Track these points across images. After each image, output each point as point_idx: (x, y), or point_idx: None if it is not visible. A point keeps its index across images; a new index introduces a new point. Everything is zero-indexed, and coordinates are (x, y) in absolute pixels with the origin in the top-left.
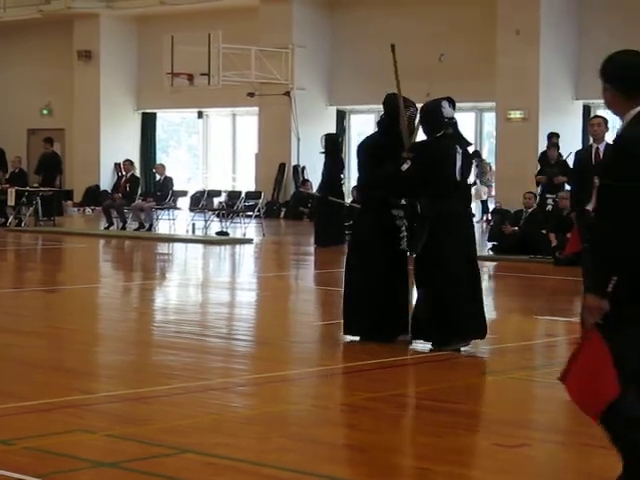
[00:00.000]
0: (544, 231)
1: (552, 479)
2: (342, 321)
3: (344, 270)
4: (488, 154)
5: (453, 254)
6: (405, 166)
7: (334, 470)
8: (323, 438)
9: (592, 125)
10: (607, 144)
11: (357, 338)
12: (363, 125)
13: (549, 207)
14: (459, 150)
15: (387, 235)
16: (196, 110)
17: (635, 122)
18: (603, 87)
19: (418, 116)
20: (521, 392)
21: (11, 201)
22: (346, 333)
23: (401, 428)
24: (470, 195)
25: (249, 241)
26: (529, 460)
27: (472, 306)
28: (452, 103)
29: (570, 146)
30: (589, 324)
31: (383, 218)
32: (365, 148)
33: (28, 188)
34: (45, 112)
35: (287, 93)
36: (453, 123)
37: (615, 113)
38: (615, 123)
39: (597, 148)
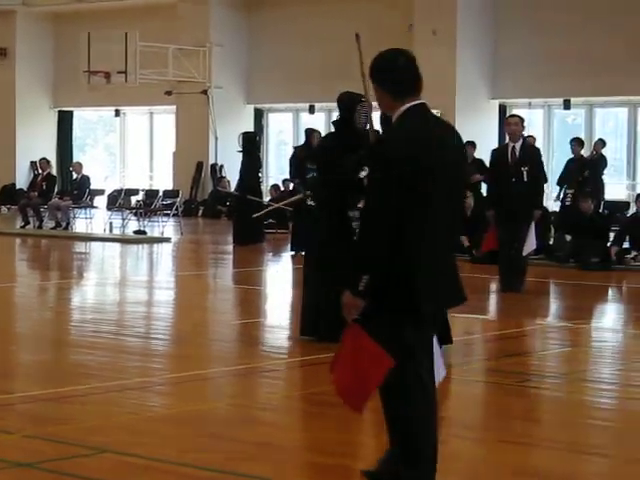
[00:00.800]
0: None
1: (470, 475)
2: (298, 321)
3: (306, 271)
4: None
5: None
6: (363, 174)
7: (253, 469)
8: (242, 437)
9: (509, 124)
10: (523, 143)
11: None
12: (281, 123)
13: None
14: None
15: (345, 238)
16: (113, 108)
17: (398, 123)
18: (374, 87)
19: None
20: (439, 389)
21: None
22: (305, 334)
23: (319, 426)
24: None
25: (167, 240)
26: (447, 456)
27: None
28: None
29: (486, 145)
30: (349, 321)
31: (341, 220)
32: (318, 150)
33: None
34: None
35: (205, 92)
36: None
37: (386, 113)
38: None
39: (513, 147)
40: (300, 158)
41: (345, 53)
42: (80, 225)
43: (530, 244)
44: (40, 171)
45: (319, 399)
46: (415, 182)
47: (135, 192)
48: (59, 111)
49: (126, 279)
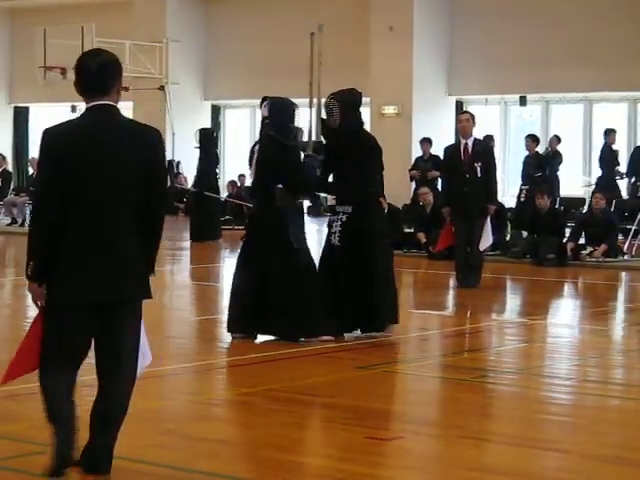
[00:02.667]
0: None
1: (427, 471)
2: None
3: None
4: None
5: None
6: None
7: (211, 466)
8: (199, 434)
9: (460, 121)
10: (475, 139)
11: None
12: (238, 120)
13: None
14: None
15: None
16: (70, 104)
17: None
18: None
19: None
20: (395, 385)
21: None
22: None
23: (276, 423)
24: None
25: None
26: (404, 453)
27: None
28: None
29: (444, 141)
30: (37, 307)
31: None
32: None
33: None
34: None
35: (161, 87)
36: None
37: None
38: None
39: (465, 143)
40: None
41: (302, 48)
42: None
43: (486, 240)
44: None
45: (276, 395)
46: (60, 183)
47: None
48: (15, 107)
49: None
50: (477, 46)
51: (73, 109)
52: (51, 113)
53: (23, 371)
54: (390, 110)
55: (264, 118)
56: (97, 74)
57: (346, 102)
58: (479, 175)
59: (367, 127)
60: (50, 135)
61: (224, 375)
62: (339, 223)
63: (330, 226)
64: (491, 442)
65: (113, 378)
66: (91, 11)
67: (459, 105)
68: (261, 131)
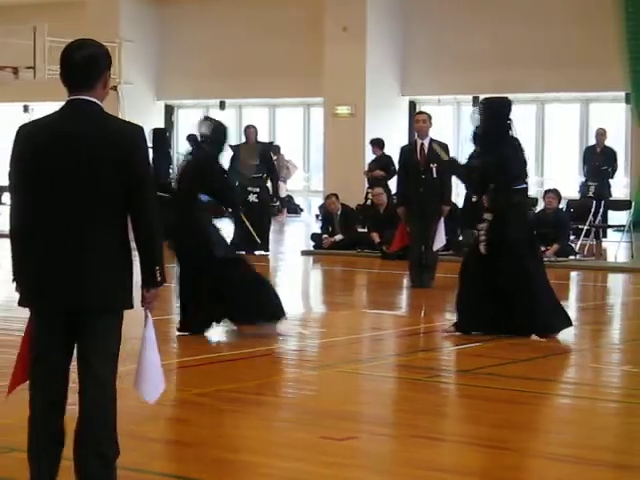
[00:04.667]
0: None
1: (381, 471)
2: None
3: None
4: (316, 150)
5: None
6: None
7: (165, 467)
8: (154, 435)
9: (417, 121)
10: (431, 139)
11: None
12: (191, 120)
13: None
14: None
15: None
16: (22, 104)
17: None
18: None
19: None
20: (349, 385)
21: None
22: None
23: (230, 423)
24: None
25: None
26: (357, 452)
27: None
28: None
29: (397, 142)
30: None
31: None
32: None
33: None
34: None
35: (114, 87)
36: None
37: None
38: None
39: (422, 144)
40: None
41: (256, 49)
42: None
43: (440, 240)
44: None
45: (228, 396)
46: (28, 182)
47: None
48: None
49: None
50: (430, 46)
51: (25, 109)
52: (2, 113)
53: (21, 381)
54: (344, 110)
55: (203, 135)
56: (81, 67)
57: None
58: (434, 176)
59: (321, 127)
60: (19, 132)
61: (178, 375)
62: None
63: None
64: (444, 441)
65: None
66: (44, 10)
67: (412, 105)
68: (194, 146)
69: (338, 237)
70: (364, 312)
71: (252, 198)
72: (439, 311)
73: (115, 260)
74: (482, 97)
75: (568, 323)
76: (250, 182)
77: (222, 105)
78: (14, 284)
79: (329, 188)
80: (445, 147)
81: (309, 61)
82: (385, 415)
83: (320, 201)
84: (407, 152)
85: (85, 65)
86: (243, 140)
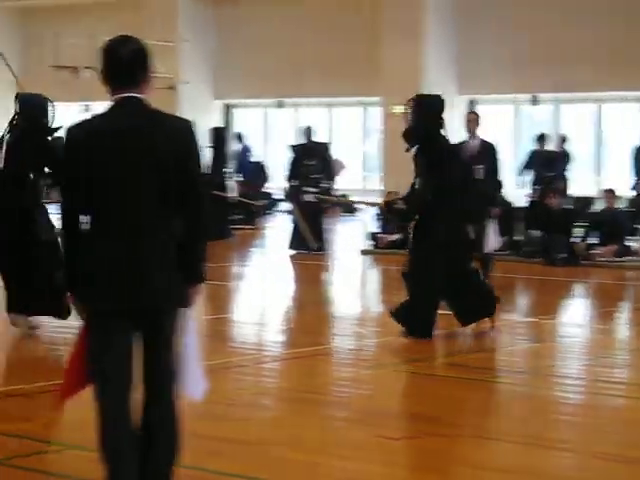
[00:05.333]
0: None
1: (437, 470)
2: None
3: None
4: (373, 149)
5: None
6: None
7: (223, 465)
8: (209, 433)
9: (467, 120)
10: (481, 140)
11: None
12: (249, 119)
13: None
14: None
15: None
16: (82, 104)
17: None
18: None
19: None
20: (405, 384)
21: None
22: None
23: (287, 422)
24: None
25: None
26: (414, 452)
27: None
28: None
29: (455, 140)
30: (79, 316)
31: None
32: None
33: None
34: None
35: (172, 87)
36: None
37: None
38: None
39: (471, 144)
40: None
41: (313, 48)
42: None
43: (492, 242)
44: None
45: (287, 395)
46: (81, 184)
47: None
48: None
49: None
50: (487, 45)
51: (86, 108)
52: (62, 112)
53: (76, 390)
54: (401, 109)
55: (16, 112)
56: (128, 63)
57: None
58: (481, 176)
59: (378, 126)
60: (70, 132)
61: (234, 375)
62: None
63: None
64: (501, 441)
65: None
66: (103, 11)
67: (470, 104)
68: (12, 124)
69: (396, 236)
70: None
71: (309, 198)
72: (496, 311)
73: (173, 257)
74: (535, 95)
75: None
76: (308, 182)
77: (279, 104)
78: (65, 286)
79: (387, 187)
80: (492, 147)
81: (366, 60)
82: (441, 415)
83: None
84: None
85: (132, 61)
86: (303, 140)
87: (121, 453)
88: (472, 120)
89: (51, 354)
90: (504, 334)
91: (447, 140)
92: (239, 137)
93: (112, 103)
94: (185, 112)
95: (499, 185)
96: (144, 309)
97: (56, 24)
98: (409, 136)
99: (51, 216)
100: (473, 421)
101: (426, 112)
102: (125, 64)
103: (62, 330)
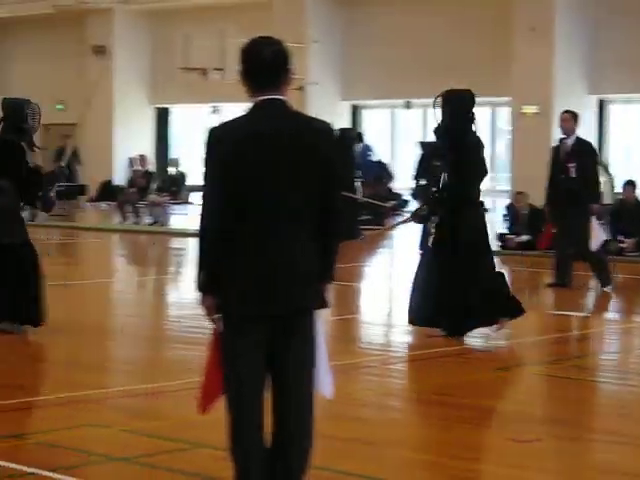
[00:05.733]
0: None
1: (564, 474)
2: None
3: None
4: (502, 149)
5: None
6: None
7: (347, 465)
8: (335, 433)
9: (562, 120)
10: (577, 139)
11: None
12: (376, 120)
13: None
14: None
15: None
16: (210, 105)
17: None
18: None
19: None
20: (534, 386)
21: None
22: None
23: (412, 423)
24: None
25: None
26: (540, 455)
27: None
28: None
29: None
30: (211, 321)
31: None
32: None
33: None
34: (59, 107)
35: (300, 88)
36: None
37: None
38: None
39: (565, 143)
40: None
41: (442, 49)
42: (177, 221)
43: (597, 238)
44: (138, 167)
45: (415, 396)
46: (226, 186)
47: None
48: (157, 108)
49: None
50: (620, 44)
51: (214, 110)
52: (191, 114)
53: (214, 399)
54: (531, 110)
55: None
56: (271, 65)
57: None
58: (573, 175)
59: (507, 127)
60: (214, 134)
61: (362, 375)
62: None
63: None
64: (629, 445)
65: (286, 397)
66: (231, 12)
67: (601, 104)
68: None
69: (525, 237)
70: (550, 313)
71: None
72: (624, 312)
73: (314, 260)
74: None
75: None
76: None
77: (408, 105)
78: (200, 288)
79: (515, 187)
80: (588, 146)
81: (496, 60)
82: (569, 417)
83: (506, 201)
84: (553, 151)
85: (275, 62)
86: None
87: (253, 457)
88: (566, 119)
89: (183, 354)
90: (634, 336)
91: (477, 137)
92: (359, 137)
93: (253, 105)
94: (313, 113)
95: (595, 183)
96: (286, 312)
97: (185, 26)
98: (439, 133)
99: None
100: (601, 424)
101: (454, 108)
102: (268, 65)
103: (194, 330)
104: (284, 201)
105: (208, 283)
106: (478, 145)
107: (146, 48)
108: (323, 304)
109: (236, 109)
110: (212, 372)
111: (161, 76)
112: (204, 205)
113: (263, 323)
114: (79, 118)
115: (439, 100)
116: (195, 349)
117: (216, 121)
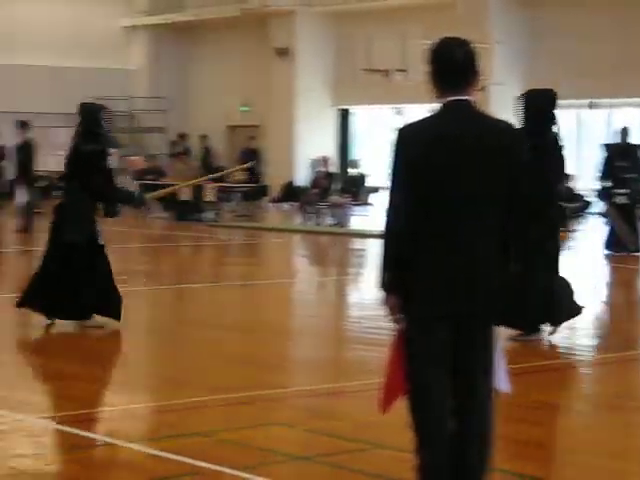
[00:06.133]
0: None
1: None
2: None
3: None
4: None
5: None
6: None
7: (519, 467)
8: (513, 435)
9: None
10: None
11: None
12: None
13: None
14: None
15: None
16: (392, 106)
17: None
18: None
19: None
20: None
21: (210, 197)
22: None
23: (595, 427)
24: None
25: None
26: None
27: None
28: None
29: None
30: (394, 321)
31: None
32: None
33: (228, 184)
34: (244, 109)
35: (482, 88)
36: None
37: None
38: None
39: None
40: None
41: (626, 49)
42: (357, 222)
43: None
44: (321, 169)
45: (597, 400)
46: (413, 186)
47: None
48: (339, 109)
49: None
50: None
51: (397, 111)
52: (373, 115)
53: (395, 399)
54: None
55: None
56: (462, 65)
57: None
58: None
59: None
60: (402, 134)
61: (542, 378)
62: None
63: None
64: None
65: (470, 398)
66: (414, 13)
67: None
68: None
69: None
70: None
71: (622, 200)
72: None
73: (498, 260)
74: None
75: None
76: (620, 183)
77: (591, 105)
78: (384, 288)
79: None
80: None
81: None
82: None
83: None
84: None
85: (466, 63)
86: (617, 140)
87: (443, 457)
88: None
89: (362, 355)
90: None
91: (557, 137)
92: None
93: (442, 106)
94: (497, 114)
95: None
96: (473, 312)
97: (367, 27)
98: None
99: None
100: None
101: (531, 108)
102: (459, 66)
103: (375, 331)
104: (470, 202)
105: (393, 282)
106: (555, 146)
107: (328, 50)
108: (503, 304)
109: (419, 110)
110: (394, 372)
111: (343, 77)
112: (390, 205)
113: (448, 322)
114: (262, 119)
115: (520, 99)
116: (375, 350)
117: (400, 122)
